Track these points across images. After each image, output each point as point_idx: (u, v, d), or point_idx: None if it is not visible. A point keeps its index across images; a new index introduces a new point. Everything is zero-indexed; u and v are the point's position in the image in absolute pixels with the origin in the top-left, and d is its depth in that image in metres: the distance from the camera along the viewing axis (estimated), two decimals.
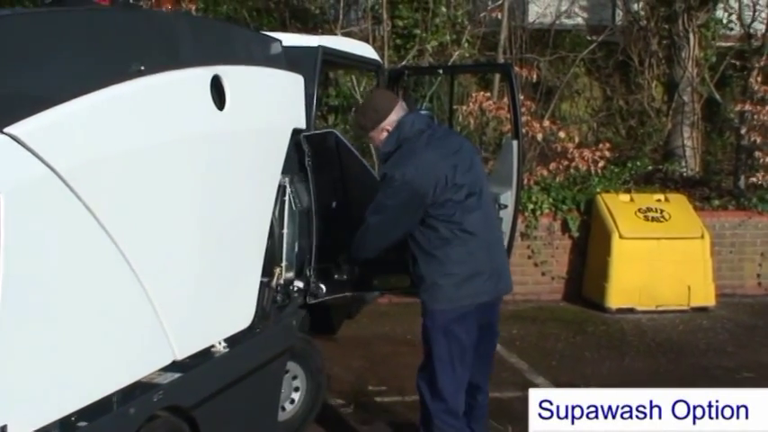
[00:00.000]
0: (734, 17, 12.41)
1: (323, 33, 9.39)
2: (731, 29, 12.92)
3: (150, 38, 3.61)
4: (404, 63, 9.91)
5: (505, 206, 5.70)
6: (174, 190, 3.58)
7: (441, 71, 6.81)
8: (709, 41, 12.85)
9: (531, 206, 9.43)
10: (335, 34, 9.90)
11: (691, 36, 12.15)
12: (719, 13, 12.91)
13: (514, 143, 5.74)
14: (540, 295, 9.52)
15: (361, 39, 10.76)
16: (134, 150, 3.33)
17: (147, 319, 3.48)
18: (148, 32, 3.61)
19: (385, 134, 4.43)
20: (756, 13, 12.02)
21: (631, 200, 9.30)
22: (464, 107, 9.54)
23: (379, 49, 10.42)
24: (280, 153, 4.62)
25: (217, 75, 3.91)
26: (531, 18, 13.68)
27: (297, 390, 5.27)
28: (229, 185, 4.04)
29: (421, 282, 4.45)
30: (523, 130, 9.39)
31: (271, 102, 4.58)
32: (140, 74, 3.42)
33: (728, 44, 13.21)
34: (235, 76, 4.10)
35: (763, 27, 11.93)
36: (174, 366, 3.72)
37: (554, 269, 9.57)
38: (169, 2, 4.24)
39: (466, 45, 10.67)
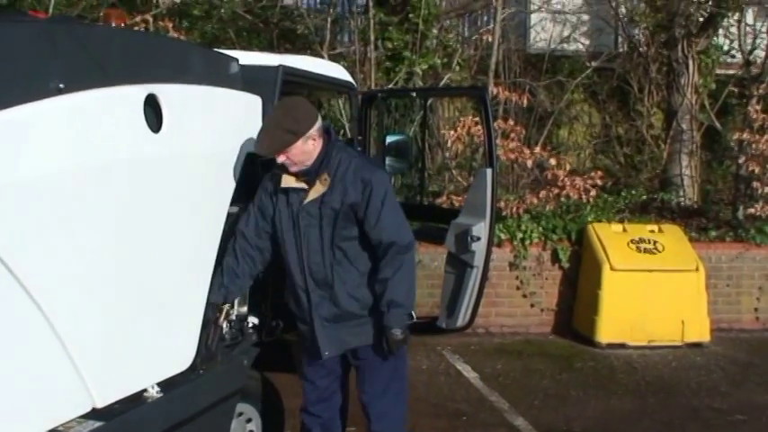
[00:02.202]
0: (735, 44, 12.12)
1: (312, 55, 9.11)
2: (732, 56, 12.64)
3: (72, 53, 3.28)
4: (390, 86, 9.62)
5: (478, 238, 5.36)
6: (92, 218, 3.24)
7: (414, 94, 6.49)
8: (709, 68, 12.54)
9: (520, 235, 9.12)
10: (322, 56, 9.63)
11: (690, 62, 11.84)
12: (720, 39, 12.63)
13: (488, 171, 5.40)
14: (529, 328, 9.18)
15: (350, 61, 10.58)
16: (47, 174, 3.01)
17: (57, 362, 3.14)
18: (70, 47, 3.28)
19: (311, 143, 4.10)
20: (757, 41, 11.72)
21: (624, 230, 8.96)
22: (452, 132, 9.23)
23: (367, 72, 10.19)
24: (229, 179, 4.29)
25: (152, 94, 3.59)
26: (531, 43, 13.48)
27: None
28: (164, 214, 3.71)
29: (371, 307, 4.25)
30: (512, 157, 9.18)
31: (220, 124, 4.25)
32: (59, 92, 3.11)
33: (730, 72, 12.94)
34: (175, 96, 3.77)
35: (763, 54, 11.62)
36: (94, 414, 3.39)
37: (543, 301, 9.22)
38: (120, 18, 3.89)
39: (457, 68, 10.37)
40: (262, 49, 10.41)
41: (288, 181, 4.21)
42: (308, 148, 4.10)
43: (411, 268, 4.25)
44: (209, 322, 4.21)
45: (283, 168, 4.17)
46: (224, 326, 4.37)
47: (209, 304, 4.20)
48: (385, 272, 4.17)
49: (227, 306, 4.38)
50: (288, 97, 4.41)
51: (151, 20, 8.77)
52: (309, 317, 4.27)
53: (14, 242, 2.87)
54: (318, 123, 4.14)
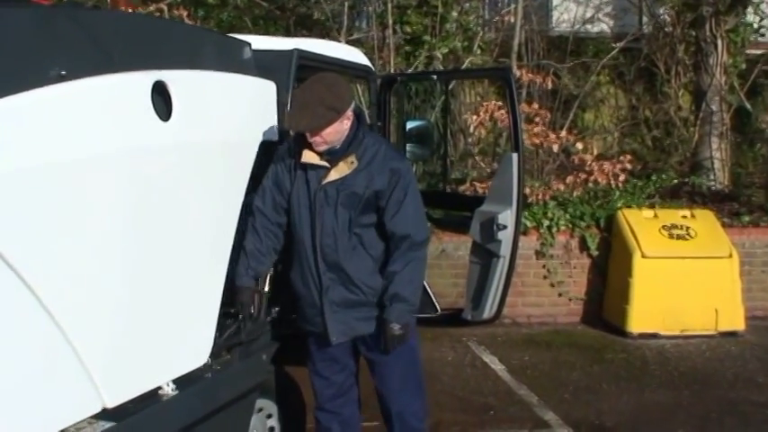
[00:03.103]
0: (765, 22, 11.78)
1: (329, 40, 8.91)
2: (762, 34, 12.29)
3: (75, 39, 3.10)
4: (410, 70, 9.39)
5: (505, 227, 5.13)
6: (97, 210, 3.06)
7: (435, 77, 6.26)
8: (738, 48, 12.19)
9: (546, 222, 8.89)
10: (339, 41, 9.42)
11: (719, 42, 11.48)
12: (750, 17, 12.28)
13: (514, 156, 5.17)
14: (557, 318, 8.95)
15: (369, 47, 10.37)
16: (47, 165, 2.83)
17: (62, 362, 2.96)
18: (73, 33, 3.10)
19: (346, 122, 3.94)
20: None
21: (655, 216, 8.68)
22: (474, 116, 8.99)
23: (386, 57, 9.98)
24: (244, 168, 4.10)
25: (160, 81, 3.40)
26: (554, 24, 13.20)
27: (272, 430, 4.74)
28: (175, 205, 3.52)
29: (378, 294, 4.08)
30: (537, 142, 8.93)
31: (233, 111, 4.06)
32: (60, 79, 2.93)
33: (760, 51, 12.59)
34: (186, 83, 3.59)
35: None
36: (105, 414, 3.22)
37: (571, 290, 8.99)
38: (127, 4, 3.72)
39: (478, 52, 10.12)
40: (278, 36, 10.23)
41: (309, 157, 4.01)
42: (342, 128, 3.94)
43: (422, 266, 4.11)
44: (226, 316, 4.05)
45: (306, 144, 3.98)
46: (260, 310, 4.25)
47: (238, 290, 4.08)
48: (395, 265, 4.02)
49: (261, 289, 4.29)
50: (324, 73, 4.21)
51: (166, 9, 8.61)
52: (319, 300, 4.11)
53: (16, 236, 2.70)
54: (353, 104, 4.00)
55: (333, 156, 3.99)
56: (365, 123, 4.11)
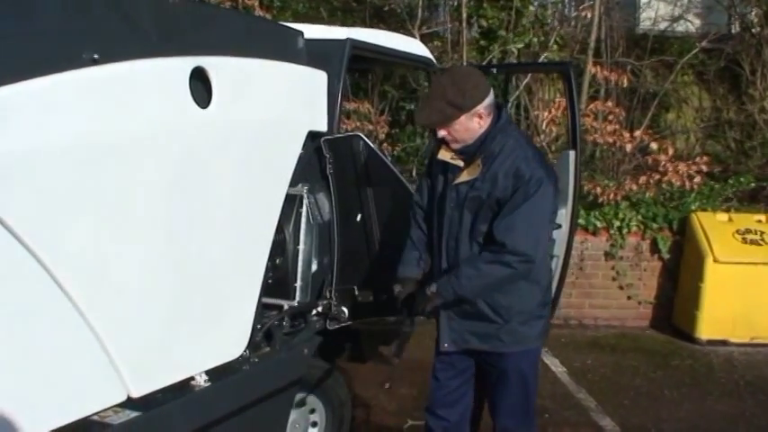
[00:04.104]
0: None
1: (404, 33, 8.84)
2: None
3: (109, 22, 3.09)
4: (483, 64, 9.24)
5: (559, 226, 4.98)
6: (126, 197, 3.04)
7: (494, 70, 6.12)
8: None
9: (617, 223, 8.67)
10: (414, 35, 9.34)
11: None
12: None
13: (571, 153, 5.01)
14: (625, 321, 8.73)
15: (444, 40, 10.28)
16: (76, 147, 2.82)
17: (84, 349, 2.96)
18: (107, 16, 3.09)
19: (476, 120, 3.61)
20: None
21: (730, 220, 8.38)
22: (545, 113, 8.82)
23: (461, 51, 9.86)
24: (289, 159, 4.06)
25: (200, 67, 3.37)
26: (640, 20, 12.87)
27: (315, 425, 4.72)
28: (212, 195, 3.49)
29: (509, 314, 3.75)
30: (611, 140, 8.71)
31: (281, 101, 4.02)
32: (93, 63, 2.92)
33: None
34: (229, 70, 3.57)
35: None
36: (131, 404, 3.21)
37: (641, 293, 8.75)
38: None
39: (555, 47, 9.91)
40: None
41: (444, 154, 3.77)
42: (472, 126, 3.62)
43: (502, 275, 3.61)
44: (265, 308, 4.03)
45: (443, 140, 3.76)
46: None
47: (403, 279, 3.88)
48: (479, 257, 3.66)
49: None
50: (458, 66, 4.05)
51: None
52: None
53: (37, 221, 2.70)
54: (488, 100, 3.63)
55: (466, 155, 3.70)
56: (505, 123, 3.71)
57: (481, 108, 3.60)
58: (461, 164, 3.73)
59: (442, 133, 3.66)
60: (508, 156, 3.61)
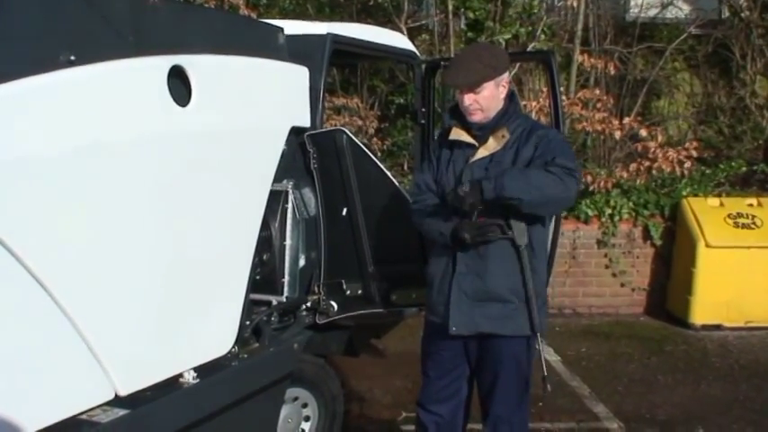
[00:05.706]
0: None
1: (391, 27, 8.83)
2: None
3: (85, 22, 3.09)
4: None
5: None
6: (108, 198, 3.05)
7: None
8: None
9: (608, 211, 8.72)
10: (401, 29, 9.34)
11: None
12: None
13: None
14: (619, 308, 8.77)
15: (431, 33, 10.27)
16: (57, 153, 2.83)
17: (70, 348, 2.98)
18: (83, 16, 3.09)
19: (501, 89, 3.76)
20: None
21: (721, 204, 8.41)
22: (533, 103, 8.83)
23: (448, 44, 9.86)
24: (272, 155, 4.08)
25: (178, 66, 3.38)
26: (630, 8, 12.84)
27: (307, 420, 4.73)
28: (195, 193, 3.50)
29: (528, 294, 3.69)
30: (599, 128, 8.72)
31: (262, 97, 4.02)
32: (70, 64, 2.93)
33: None
34: (209, 68, 3.57)
35: None
36: (119, 402, 3.22)
37: (634, 280, 8.79)
38: None
39: (542, 37, 9.91)
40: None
41: (457, 133, 3.80)
42: (497, 94, 3.75)
43: (545, 186, 3.49)
44: (253, 304, 4.04)
45: (458, 118, 3.80)
46: None
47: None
48: (536, 169, 3.58)
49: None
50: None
51: None
52: (448, 285, 3.77)
53: (22, 224, 2.71)
54: (508, 73, 3.86)
55: (483, 131, 3.75)
56: (517, 102, 3.90)
57: (506, 77, 3.81)
58: (475, 143, 3.78)
59: (469, 100, 3.72)
60: (526, 128, 3.77)
